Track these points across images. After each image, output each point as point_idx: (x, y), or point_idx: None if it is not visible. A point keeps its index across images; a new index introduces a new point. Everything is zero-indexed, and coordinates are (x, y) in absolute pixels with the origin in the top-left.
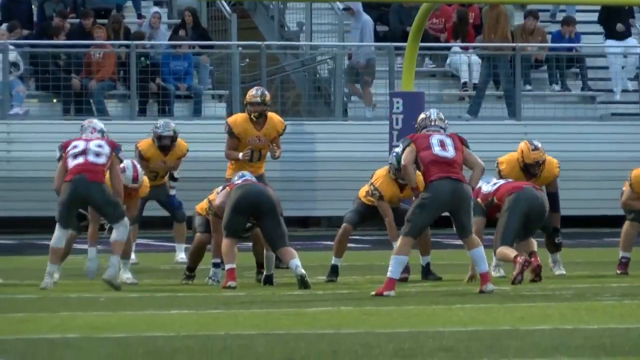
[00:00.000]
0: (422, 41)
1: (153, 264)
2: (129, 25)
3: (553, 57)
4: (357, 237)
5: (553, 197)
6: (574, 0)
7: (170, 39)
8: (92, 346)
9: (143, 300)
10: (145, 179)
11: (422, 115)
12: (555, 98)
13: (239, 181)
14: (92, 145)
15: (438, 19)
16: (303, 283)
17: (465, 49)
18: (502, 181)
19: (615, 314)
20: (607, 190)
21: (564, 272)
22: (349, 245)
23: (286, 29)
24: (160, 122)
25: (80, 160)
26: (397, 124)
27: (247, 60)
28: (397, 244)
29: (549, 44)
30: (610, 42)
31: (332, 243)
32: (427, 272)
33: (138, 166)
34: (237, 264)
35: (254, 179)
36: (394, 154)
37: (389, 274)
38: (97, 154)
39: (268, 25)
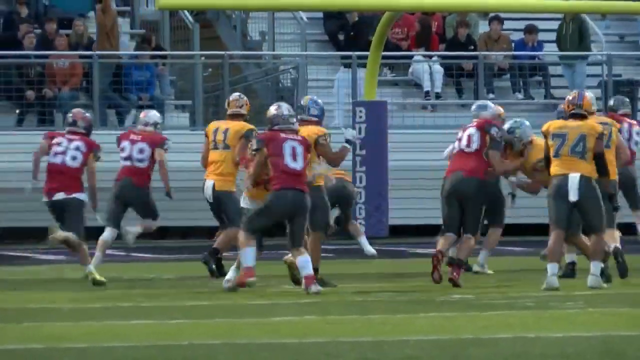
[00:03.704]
0: (384, 50)
1: (115, 274)
2: (91, 35)
3: (516, 66)
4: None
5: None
6: (533, 8)
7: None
8: (54, 357)
9: (106, 310)
10: None
11: (274, 112)
12: (519, 106)
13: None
14: (135, 152)
15: (400, 29)
16: None
17: (428, 57)
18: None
19: (578, 322)
20: None
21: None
22: None
23: (249, 38)
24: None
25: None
26: (360, 133)
27: (210, 70)
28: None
29: (512, 52)
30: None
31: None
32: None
33: None
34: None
35: None
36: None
37: (244, 264)
38: (140, 160)
39: (230, 34)
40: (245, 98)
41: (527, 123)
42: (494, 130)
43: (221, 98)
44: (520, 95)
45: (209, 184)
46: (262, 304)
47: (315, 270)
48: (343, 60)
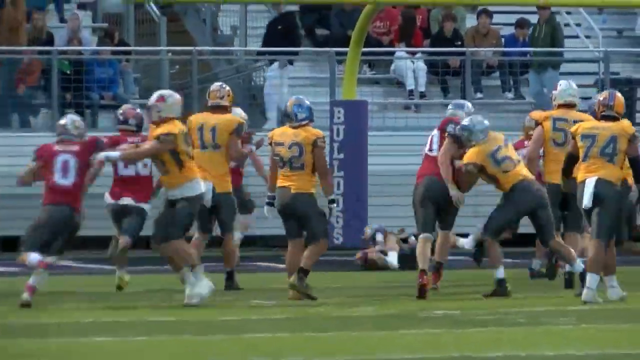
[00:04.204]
0: (365, 46)
1: (73, 288)
2: (50, 30)
3: (506, 63)
4: None
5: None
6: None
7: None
8: None
9: (63, 326)
10: None
11: (60, 122)
12: (509, 106)
13: None
14: None
15: (382, 22)
16: None
17: (411, 54)
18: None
19: (572, 338)
20: None
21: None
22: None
23: (219, 32)
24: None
25: None
26: (338, 135)
27: (177, 66)
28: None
29: (502, 49)
30: None
31: (268, 264)
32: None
33: None
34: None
35: None
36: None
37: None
38: None
39: (200, 28)
40: (227, 88)
41: (483, 126)
42: (450, 128)
43: (189, 97)
44: (510, 95)
45: (208, 186)
46: (232, 319)
47: (306, 271)
48: (270, 56)
